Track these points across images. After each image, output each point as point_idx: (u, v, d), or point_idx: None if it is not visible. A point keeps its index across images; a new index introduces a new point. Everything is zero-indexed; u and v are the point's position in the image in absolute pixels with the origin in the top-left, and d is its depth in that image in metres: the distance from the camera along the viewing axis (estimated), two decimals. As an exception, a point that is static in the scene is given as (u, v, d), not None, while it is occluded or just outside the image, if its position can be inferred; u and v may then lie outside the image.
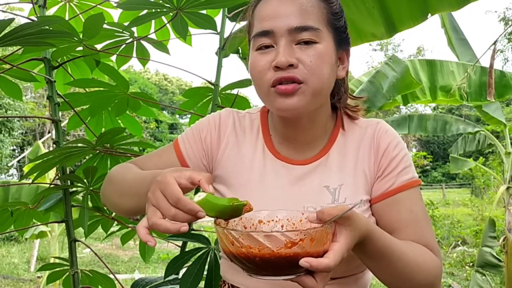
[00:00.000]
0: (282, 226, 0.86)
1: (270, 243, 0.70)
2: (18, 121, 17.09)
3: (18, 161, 16.27)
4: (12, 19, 1.10)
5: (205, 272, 1.41)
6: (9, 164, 16.68)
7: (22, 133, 21.60)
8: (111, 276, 1.80)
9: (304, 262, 0.70)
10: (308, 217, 0.79)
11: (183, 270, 1.42)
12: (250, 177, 1.03)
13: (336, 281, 0.98)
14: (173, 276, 1.52)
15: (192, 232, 1.54)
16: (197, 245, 1.46)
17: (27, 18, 1.67)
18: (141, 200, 0.92)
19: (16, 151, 22.47)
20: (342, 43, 0.98)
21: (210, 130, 1.08)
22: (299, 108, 0.93)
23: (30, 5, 1.72)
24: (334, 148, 1.03)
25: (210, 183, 0.80)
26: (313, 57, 0.90)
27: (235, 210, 0.77)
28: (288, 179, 1.01)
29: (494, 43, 2.47)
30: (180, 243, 1.67)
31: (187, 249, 1.54)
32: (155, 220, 0.75)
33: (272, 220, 0.87)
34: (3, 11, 1.87)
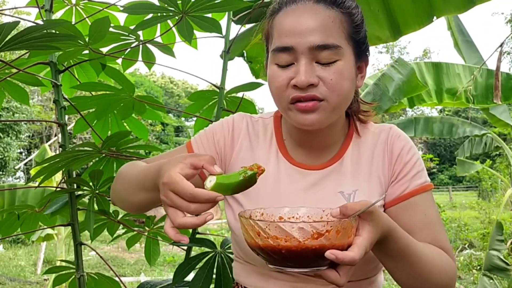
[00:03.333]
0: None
1: (297, 233, 0.71)
2: (25, 124, 17.19)
3: (25, 164, 16.38)
4: (18, 22, 1.10)
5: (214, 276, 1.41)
6: (16, 167, 16.77)
7: (29, 136, 21.73)
8: (117, 279, 1.80)
9: (330, 254, 0.71)
10: (331, 213, 0.80)
11: (191, 275, 1.42)
12: (264, 182, 1.03)
13: (350, 284, 0.98)
14: (179, 280, 1.52)
15: (197, 237, 1.54)
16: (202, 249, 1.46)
17: (33, 22, 1.68)
18: (146, 194, 0.93)
19: (23, 154, 22.59)
20: (362, 54, 0.98)
21: (223, 133, 1.09)
22: (320, 123, 0.94)
23: (37, 9, 1.73)
24: (348, 154, 1.04)
25: (213, 164, 0.80)
26: (334, 74, 0.90)
27: (249, 181, 0.78)
28: (302, 185, 1.02)
29: (501, 45, 2.46)
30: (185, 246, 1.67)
31: (193, 253, 1.54)
32: (179, 221, 0.75)
33: (293, 217, 0.88)
34: (10, 15, 1.89)
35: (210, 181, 0.77)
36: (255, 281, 1.02)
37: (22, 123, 16.06)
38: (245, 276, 1.05)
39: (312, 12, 0.90)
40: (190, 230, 1.72)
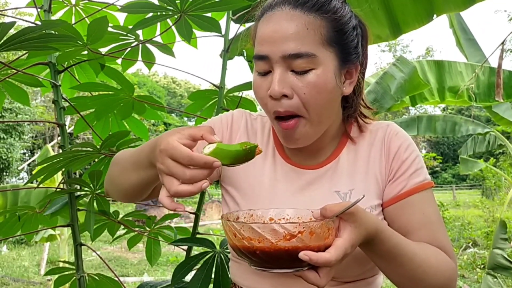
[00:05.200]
0: None
1: (269, 235, 0.71)
2: (28, 125, 17.24)
3: (28, 165, 16.42)
4: (14, 23, 1.10)
5: (213, 275, 1.41)
6: (20, 168, 16.81)
7: (32, 137, 21.78)
8: (117, 279, 1.80)
9: (303, 255, 0.70)
10: (313, 214, 0.80)
11: (191, 274, 1.42)
12: (260, 181, 1.03)
13: (347, 285, 0.98)
14: (179, 280, 1.52)
15: (197, 236, 1.54)
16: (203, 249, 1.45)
17: (32, 22, 1.68)
18: (141, 172, 0.92)
19: (27, 154, 22.66)
20: (349, 58, 0.94)
21: (222, 129, 1.08)
22: (305, 143, 0.95)
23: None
24: (344, 153, 1.03)
25: (213, 133, 0.80)
26: (308, 87, 0.88)
27: (248, 153, 0.77)
28: (298, 184, 1.01)
29: (502, 43, 2.45)
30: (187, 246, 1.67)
31: (195, 253, 1.54)
32: (175, 189, 0.75)
33: (283, 218, 0.88)
34: (13, 16, 1.89)
35: (209, 148, 0.77)
36: (250, 281, 1.02)
37: (25, 123, 16.09)
38: (240, 276, 1.05)
39: (288, 18, 0.88)
40: (191, 231, 1.72)
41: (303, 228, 0.71)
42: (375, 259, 0.87)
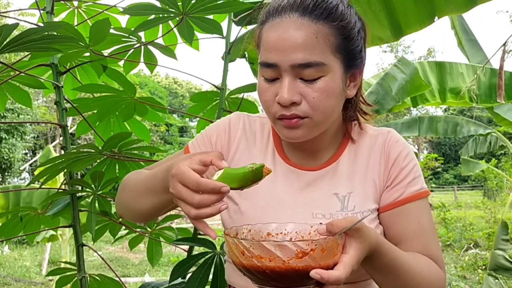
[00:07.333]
0: (290, 239, 0.86)
1: (281, 253, 0.70)
2: (30, 125, 17.26)
3: (30, 165, 16.43)
4: (17, 24, 1.10)
5: (211, 276, 1.41)
6: (21, 168, 16.82)
7: (34, 137, 21.80)
8: (119, 280, 1.81)
9: (314, 273, 0.69)
10: (318, 230, 0.79)
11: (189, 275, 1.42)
12: (260, 181, 1.03)
13: (345, 286, 0.98)
14: (180, 280, 1.53)
15: (198, 237, 1.54)
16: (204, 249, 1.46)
17: (34, 24, 1.69)
18: (156, 197, 0.94)
19: (28, 155, 22.68)
20: (355, 62, 0.95)
21: (220, 135, 1.08)
22: (304, 138, 0.94)
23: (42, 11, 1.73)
24: (344, 156, 1.03)
25: (222, 159, 0.81)
26: (317, 92, 0.89)
27: (256, 174, 0.77)
28: (297, 185, 1.01)
29: (504, 44, 2.45)
30: (187, 247, 1.68)
31: (196, 253, 1.54)
32: (194, 213, 0.76)
33: (281, 233, 0.87)
34: (15, 18, 1.89)
35: (217, 174, 0.77)
36: (247, 282, 1.02)
37: (27, 124, 16.12)
38: (236, 277, 1.04)
39: (296, 27, 0.87)
40: (191, 232, 1.73)
41: (315, 245, 0.70)
42: (372, 272, 0.88)
